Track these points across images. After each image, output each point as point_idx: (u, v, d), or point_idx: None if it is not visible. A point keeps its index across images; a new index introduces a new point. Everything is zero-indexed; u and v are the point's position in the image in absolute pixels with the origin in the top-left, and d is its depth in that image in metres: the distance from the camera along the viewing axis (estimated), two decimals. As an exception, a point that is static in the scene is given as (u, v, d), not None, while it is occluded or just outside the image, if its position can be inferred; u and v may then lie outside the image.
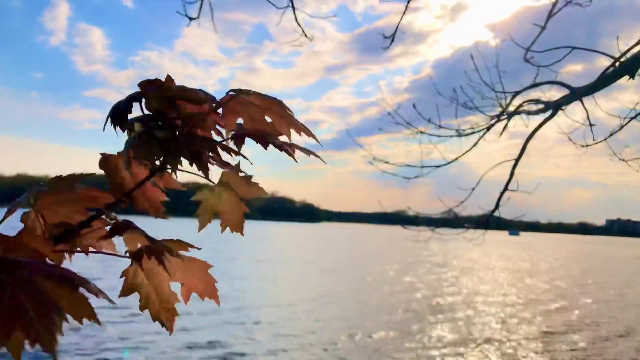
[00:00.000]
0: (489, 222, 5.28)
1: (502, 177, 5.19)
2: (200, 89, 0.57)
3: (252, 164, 0.59)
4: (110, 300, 0.43)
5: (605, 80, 3.81)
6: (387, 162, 5.38)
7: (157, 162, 0.57)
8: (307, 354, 8.10)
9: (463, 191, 5.26)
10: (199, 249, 0.58)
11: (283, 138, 0.59)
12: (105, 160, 0.60)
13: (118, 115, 0.55)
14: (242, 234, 0.62)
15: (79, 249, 0.58)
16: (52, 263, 0.45)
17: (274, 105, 0.59)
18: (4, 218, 0.52)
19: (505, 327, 10.94)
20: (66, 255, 0.58)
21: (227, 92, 0.58)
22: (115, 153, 0.61)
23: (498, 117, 4.83)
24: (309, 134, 0.60)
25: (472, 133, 4.96)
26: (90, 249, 0.59)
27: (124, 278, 0.58)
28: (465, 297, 15.21)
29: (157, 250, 0.53)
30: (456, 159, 5.04)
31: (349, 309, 12.10)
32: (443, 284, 18.08)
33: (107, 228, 0.56)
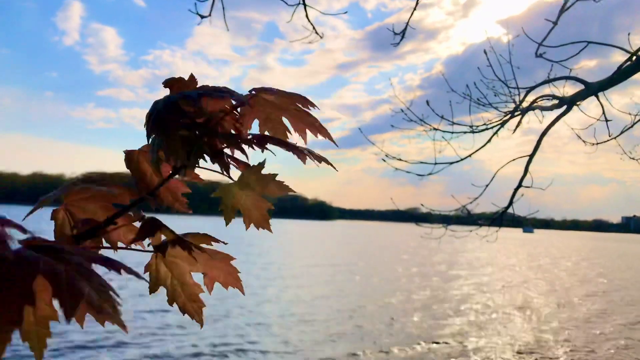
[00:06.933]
0: (502, 219, 5.24)
1: (516, 174, 5.16)
2: (225, 87, 0.57)
3: (274, 154, 0.59)
4: (141, 277, 0.47)
5: (621, 75, 3.76)
6: (400, 159, 5.36)
7: (180, 160, 0.57)
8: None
9: (476, 188, 5.23)
10: (225, 243, 0.59)
11: (299, 138, 0.60)
12: (129, 157, 0.61)
13: (159, 123, 0.55)
14: (269, 230, 0.62)
15: (106, 245, 0.60)
16: (93, 251, 0.47)
17: (293, 104, 0.59)
18: (30, 213, 0.54)
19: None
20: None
21: (250, 91, 0.59)
22: (137, 149, 0.62)
23: (512, 113, 4.79)
24: (326, 135, 0.61)
25: (485, 129, 4.93)
26: (119, 244, 0.60)
27: (148, 273, 0.59)
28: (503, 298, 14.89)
29: (183, 243, 0.55)
30: (469, 155, 5.01)
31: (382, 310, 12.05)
32: (469, 284, 17.80)
33: (137, 225, 0.58)
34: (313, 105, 0.59)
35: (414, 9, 4.56)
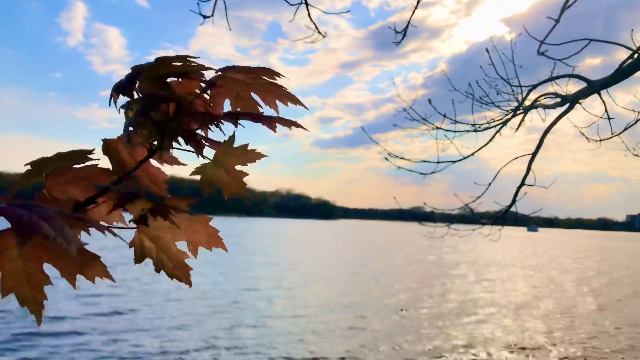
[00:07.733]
0: (505, 217, 5.23)
1: (519, 173, 5.15)
2: (188, 59, 0.57)
3: (244, 127, 0.61)
4: (117, 235, 0.49)
5: (623, 72, 3.75)
6: (402, 158, 5.36)
7: (155, 143, 0.60)
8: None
9: (480, 187, 5.23)
10: (197, 201, 0.61)
11: (271, 111, 0.62)
12: (107, 145, 0.63)
13: (122, 92, 0.57)
14: (244, 194, 0.63)
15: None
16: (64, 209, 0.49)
17: (260, 78, 0.61)
18: (20, 184, 0.55)
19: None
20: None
21: (216, 72, 0.60)
22: (115, 137, 0.63)
23: (514, 112, 4.79)
24: (296, 101, 0.62)
25: (488, 128, 4.92)
26: (102, 223, 0.62)
27: (133, 248, 0.60)
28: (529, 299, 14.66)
29: (162, 210, 0.56)
30: (472, 154, 5.01)
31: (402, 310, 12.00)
32: (479, 286, 17.60)
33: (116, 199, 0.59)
34: (279, 75, 0.61)
35: (415, 7, 4.56)
